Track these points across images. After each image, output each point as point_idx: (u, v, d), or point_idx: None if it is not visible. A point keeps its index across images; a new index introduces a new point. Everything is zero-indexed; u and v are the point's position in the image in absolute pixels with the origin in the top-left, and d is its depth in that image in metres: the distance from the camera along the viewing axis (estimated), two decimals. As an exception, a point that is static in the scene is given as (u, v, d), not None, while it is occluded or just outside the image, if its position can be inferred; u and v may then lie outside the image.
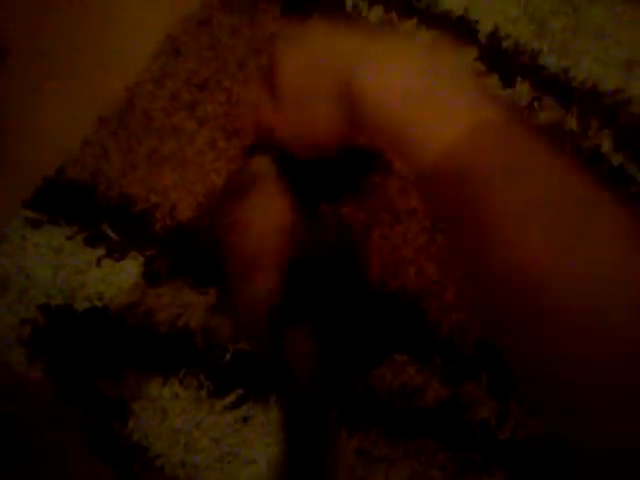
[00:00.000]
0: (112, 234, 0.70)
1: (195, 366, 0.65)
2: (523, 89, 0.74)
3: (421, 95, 0.39)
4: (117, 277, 0.68)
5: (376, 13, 0.80)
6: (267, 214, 0.54)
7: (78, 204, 0.72)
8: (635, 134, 0.71)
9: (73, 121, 0.76)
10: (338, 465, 0.60)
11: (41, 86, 0.80)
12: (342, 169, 0.61)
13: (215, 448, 0.63)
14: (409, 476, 0.61)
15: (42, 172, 0.73)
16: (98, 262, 0.69)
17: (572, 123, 0.72)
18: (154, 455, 0.63)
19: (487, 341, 0.64)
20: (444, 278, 0.67)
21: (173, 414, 0.64)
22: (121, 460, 0.63)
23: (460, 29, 0.78)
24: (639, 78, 0.74)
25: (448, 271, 0.67)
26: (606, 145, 0.70)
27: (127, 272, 0.69)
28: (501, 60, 0.76)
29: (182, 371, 0.65)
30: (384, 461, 0.62)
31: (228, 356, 0.65)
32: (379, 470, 0.62)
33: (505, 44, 0.77)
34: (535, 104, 0.74)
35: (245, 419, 0.64)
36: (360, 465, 0.62)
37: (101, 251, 0.70)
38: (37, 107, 0.78)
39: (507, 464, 0.61)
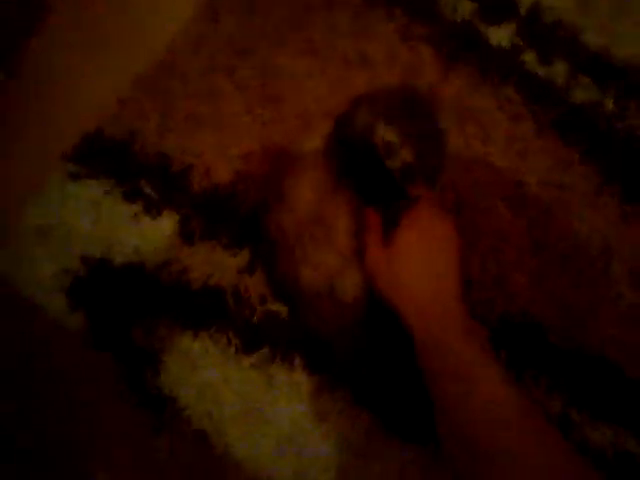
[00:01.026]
0: (149, 190, 0.72)
1: (225, 323, 0.67)
2: (560, 68, 0.74)
3: None
4: (153, 234, 0.71)
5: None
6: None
7: (117, 160, 0.73)
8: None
9: (113, 80, 0.77)
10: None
11: (82, 44, 0.81)
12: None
13: (240, 403, 0.66)
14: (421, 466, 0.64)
15: (82, 128, 0.75)
16: (135, 217, 0.71)
17: (609, 104, 0.72)
18: (183, 406, 0.66)
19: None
20: (468, 254, 0.68)
21: (202, 368, 0.67)
22: (151, 408, 0.66)
23: (501, 1, 0.77)
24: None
25: (473, 247, 0.69)
26: (642, 127, 0.70)
27: (163, 229, 0.71)
28: (541, 36, 0.76)
29: (213, 327, 0.67)
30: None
31: (255, 317, 0.68)
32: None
33: (546, 19, 0.76)
34: (571, 83, 0.73)
35: (270, 378, 0.66)
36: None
37: (138, 207, 0.72)
38: (78, 64, 0.79)
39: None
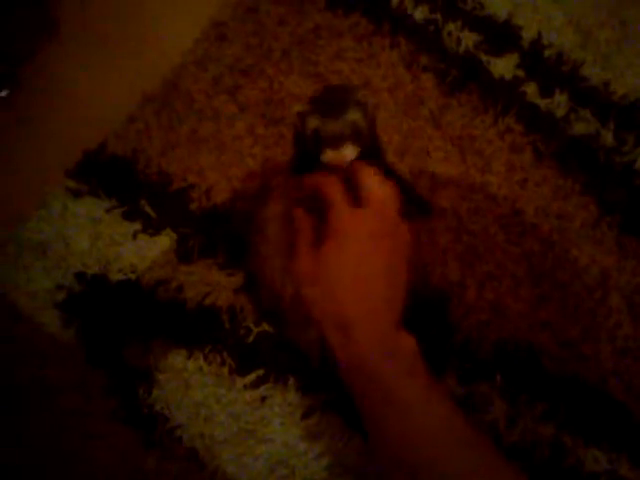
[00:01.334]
0: (149, 210, 0.72)
1: (219, 343, 0.67)
2: (561, 99, 0.75)
3: None
4: (151, 252, 0.71)
5: (421, 12, 0.80)
6: None
7: (118, 178, 0.74)
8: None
9: (117, 97, 0.78)
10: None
11: (88, 60, 0.82)
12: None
13: (233, 423, 0.65)
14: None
15: (85, 145, 0.76)
16: (134, 236, 0.72)
17: (607, 137, 0.73)
18: (175, 425, 0.65)
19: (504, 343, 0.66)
20: (466, 279, 0.69)
21: (195, 387, 0.66)
22: (142, 427, 0.66)
23: (504, 34, 0.79)
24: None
25: (470, 272, 0.69)
26: (640, 162, 0.71)
27: (161, 248, 0.71)
28: (542, 69, 0.77)
29: (207, 347, 0.67)
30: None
31: (251, 338, 0.67)
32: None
33: (547, 52, 0.78)
34: (571, 116, 0.74)
35: (263, 399, 0.66)
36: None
37: (137, 225, 0.72)
38: (83, 81, 0.81)
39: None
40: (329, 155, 0.52)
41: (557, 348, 0.65)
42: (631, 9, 0.78)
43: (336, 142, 0.52)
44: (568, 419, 0.63)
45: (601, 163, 0.72)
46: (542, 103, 0.75)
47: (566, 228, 0.70)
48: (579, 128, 0.73)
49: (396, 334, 0.48)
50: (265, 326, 0.68)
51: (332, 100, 0.56)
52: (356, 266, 0.48)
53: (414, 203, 0.62)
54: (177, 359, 0.67)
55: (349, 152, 0.52)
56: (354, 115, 0.53)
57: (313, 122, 0.53)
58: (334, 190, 0.50)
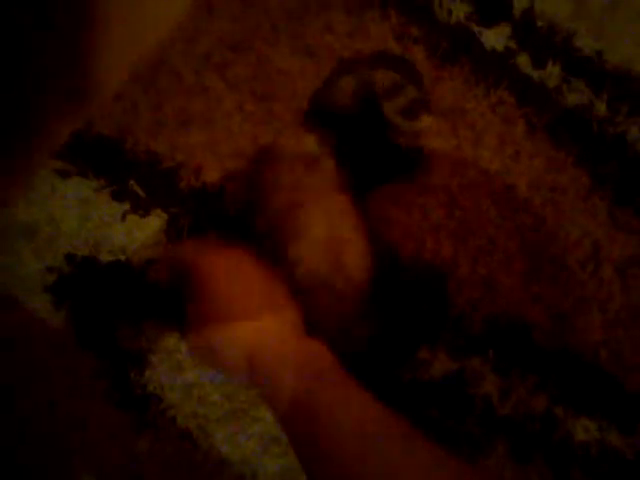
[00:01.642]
0: (138, 190, 0.72)
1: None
2: (554, 70, 0.74)
3: None
4: (141, 232, 0.70)
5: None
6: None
7: (106, 158, 0.73)
8: (663, 124, 0.70)
9: (104, 76, 0.77)
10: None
11: (74, 38, 0.80)
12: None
13: (226, 403, 0.65)
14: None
15: (72, 125, 0.75)
16: (123, 216, 0.71)
17: (601, 108, 0.72)
18: (168, 405, 0.65)
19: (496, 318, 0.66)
20: (458, 255, 0.68)
21: (188, 368, 0.66)
22: (135, 408, 0.66)
23: (495, 4, 0.77)
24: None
25: (463, 248, 0.69)
26: (633, 133, 0.70)
27: (151, 228, 0.70)
28: (534, 39, 0.76)
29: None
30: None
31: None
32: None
33: (540, 23, 0.76)
34: (564, 87, 0.73)
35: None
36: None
37: (127, 206, 0.71)
38: (69, 59, 0.79)
39: (506, 439, 0.63)
40: (428, 122, 0.53)
41: (549, 321, 0.65)
42: (625, -25, 0.76)
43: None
44: (559, 391, 0.63)
45: (594, 134, 0.71)
46: (534, 74, 0.74)
47: (559, 201, 0.69)
48: (572, 99, 0.73)
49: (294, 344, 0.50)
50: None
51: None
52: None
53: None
54: (170, 340, 0.67)
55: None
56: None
57: (410, 90, 0.52)
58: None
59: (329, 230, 0.57)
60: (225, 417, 0.65)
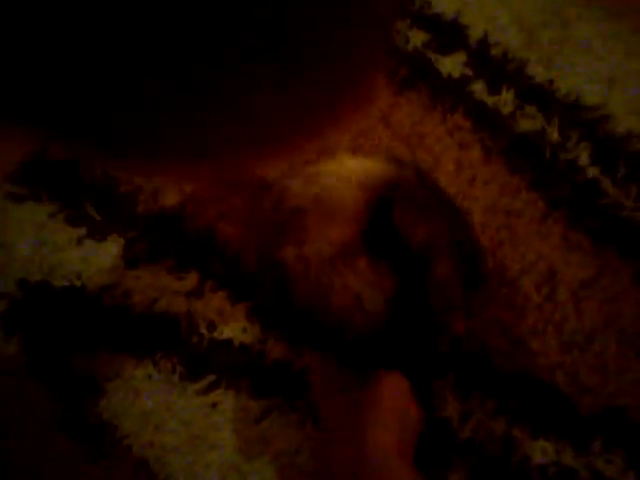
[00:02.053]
0: (95, 214, 0.70)
1: (170, 350, 0.66)
2: (508, 97, 0.76)
3: None
4: (97, 257, 0.69)
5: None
6: None
7: (62, 181, 0.72)
8: (611, 150, 0.72)
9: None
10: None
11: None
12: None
13: (184, 431, 0.64)
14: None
15: (26, 147, 0.73)
16: (79, 241, 0.70)
17: (553, 134, 0.74)
18: (123, 434, 0.64)
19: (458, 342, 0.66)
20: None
21: (145, 395, 0.65)
22: (89, 438, 0.64)
23: (451, 33, 0.79)
24: (619, 95, 0.76)
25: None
26: (584, 158, 0.72)
27: (107, 253, 0.69)
28: (489, 67, 0.78)
29: (157, 354, 0.66)
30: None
31: (203, 344, 0.66)
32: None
33: (494, 51, 0.78)
34: (518, 113, 0.75)
35: (215, 404, 0.65)
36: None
37: (82, 230, 0.70)
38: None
39: (466, 463, 0.63)
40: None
41: (507, 344, 0.66)
42: (572, 9, 0.79)
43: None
44: (518, 413, 0.64)
45: (547, 160, 0.73)
46: (489, 100, 0.76)
47: (514, 225, 0.71)
48: (525, 125, 0.74)
49: None
50: (218, 332, 0.67)
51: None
52: None
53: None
54: (125, 367, 0.65)
55: None
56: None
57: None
58: None
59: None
60: (182, 445, 0.64)
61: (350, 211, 0.59)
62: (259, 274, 0.63)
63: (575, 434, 0.63)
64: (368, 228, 0.59)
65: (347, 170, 0.62)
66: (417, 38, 0.79)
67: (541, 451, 0.63)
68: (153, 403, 0.65)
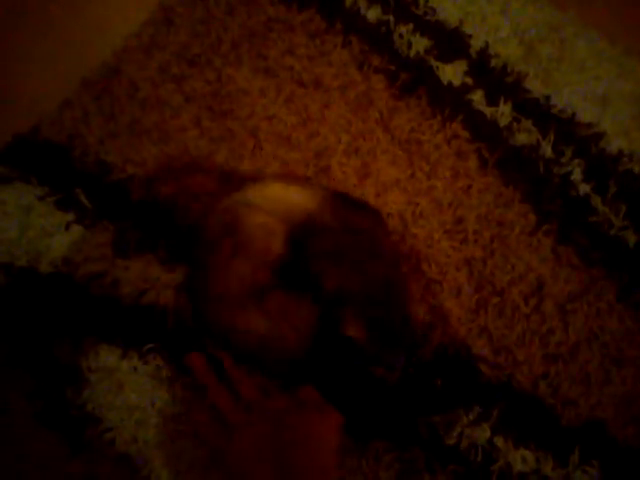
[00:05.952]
0: (85, 200, 0.69)
1: (157, 342, 0.65)
2: (505, 109, 0.76)
3: None
4: (85, 244, 0.67)
5: (374, 13, 0.80)
6: None
7: (52, 165, 0.70)
8: (602, 168, 0.74)
9: (56, 80, 0.74)
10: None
11: (26, 40, 0.77)
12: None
13: (168, 426, 0.63)
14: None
15: (16, 129, 0.71)
16: (67, 227, 0.68)
17: (547, 149, 0.75)
18: (106, 428, 0.62)
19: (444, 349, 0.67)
20: (409, 281, 0.69)
21: (129, 388, 0.63)
22: (70, 430, 0.63)
23: (453, 41, 0.80)
24: (611, 115, 0.77)
25: (414, 276, 0.69)
26: (576, 174, 0.73)
27: (96, 240, 0.67)
28: (488, 78, 0.78)
29: (144, 346, 0.64)
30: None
31: (190, 337, 0.65)
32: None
33: (494, 62, 0.79)
34: (514, 125, 0.76)
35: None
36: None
37: (71, 216, 0.68)
38: (20, 61, 0.76)
39: (449, 469, 0.64)
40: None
41: (492, 354, 0.67)
42: (569, 27, 0.81)
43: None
44: (501, 422, 0.65)
45: (540, 173, 0.74)
46: (487, 111, 0.76)
47: (505, 235, 0.71)
48: (521, 138, 0.75)
49: None
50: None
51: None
52: None
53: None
54: (110, 358, 0.64)
55: None
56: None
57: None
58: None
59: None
60: (166, 441, 0.62)
61: (264, 247, 0.61)
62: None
63: (556, 445, 0.64)
64: (285, 261, 0.61)
65: (270, 200, 0.64)
66: (420, 44, 0.79)
67: (522, 460, 0.64)
68: (137, 397, 0.63)
